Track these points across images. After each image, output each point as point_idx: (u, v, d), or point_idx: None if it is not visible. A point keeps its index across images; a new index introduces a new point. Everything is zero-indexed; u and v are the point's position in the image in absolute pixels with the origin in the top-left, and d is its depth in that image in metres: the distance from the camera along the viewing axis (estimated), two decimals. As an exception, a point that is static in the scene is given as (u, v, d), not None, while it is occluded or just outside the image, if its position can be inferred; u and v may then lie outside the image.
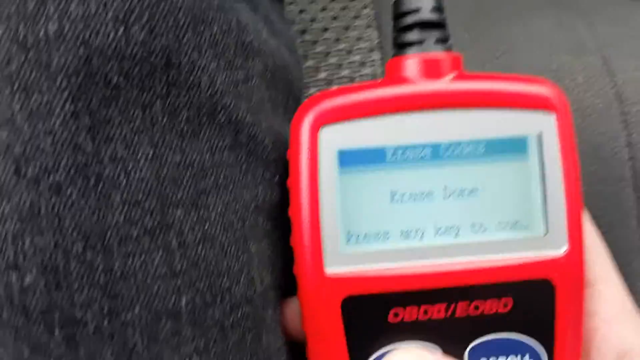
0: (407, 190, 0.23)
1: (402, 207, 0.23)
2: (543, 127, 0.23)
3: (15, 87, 0.19)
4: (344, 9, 0.37)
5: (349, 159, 0.23)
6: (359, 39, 0.37)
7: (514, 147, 0.23)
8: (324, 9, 0.37)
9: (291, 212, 0.24)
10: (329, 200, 0.23)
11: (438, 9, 0.24)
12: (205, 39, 0.22)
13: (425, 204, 0.24)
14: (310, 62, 0.37)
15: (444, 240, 0.23)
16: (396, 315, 0.23)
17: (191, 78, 0.21)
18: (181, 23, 0.21)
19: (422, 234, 0.24)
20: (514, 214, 0.24)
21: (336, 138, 0.23)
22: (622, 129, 0.32)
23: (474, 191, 0.24)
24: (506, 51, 0.35)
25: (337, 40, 0.37)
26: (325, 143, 0.23)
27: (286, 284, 0.25)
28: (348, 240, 0.23)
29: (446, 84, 0.23)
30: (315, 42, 0.37)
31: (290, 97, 0.27)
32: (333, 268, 0.23)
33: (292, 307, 0.25)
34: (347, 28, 0.37)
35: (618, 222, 0.32)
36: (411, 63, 0.23)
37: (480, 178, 0.23)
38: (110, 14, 0.20)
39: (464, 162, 0.23)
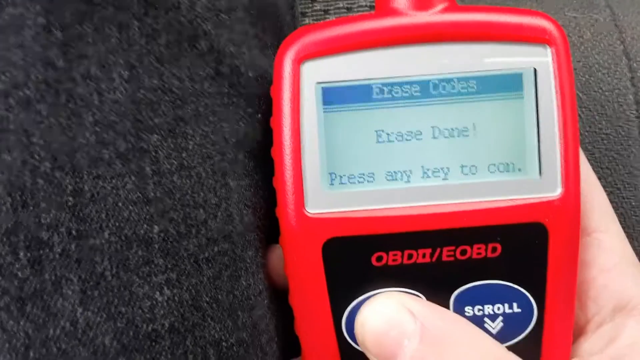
0: (393, 129, 0.22)
1: (389, 148, 0.22)
2: (539, 61, 0.22)
3: None
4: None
5: (333, 96, 0.22)
6: (358, -4, 0.36)
7: (507, 83, 0.22)
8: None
9: (274, 151, 0.23)
10: (312, 139, 0.22)
11: None
12: None
13: (413, 144, 0.22)
14: (308, 20, 0.36)
15: (432, 183, 0.22)
16: (379, 259, 0.22)
17: (184, 28, 0.21)
18: None
19: (409, 175, 0.22)
20: (507, 155, 0.22)
21: (319, 73, 0.22)
22: (630, 86, 0.31)
23: (465, 131, 0.22)
24: (513, 5, 0.34)
25: (337, -3, 0.36)
26: (308, 78, 0.22)
27: (271, 229, 0.25)
28: (331, 181, 0.22)
29: (436, 15, 0.22)
30: (314, 0, 0.36)
31: (280, 40, 0.26)
32: (315, 209, 0.22)
33: (277, 253, 0.24)
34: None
35: (624, 182, 0.30)
36: None
37: (471, 117, 0.22)
38: None
39: (455, 100, 0.22)
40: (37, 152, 0.18)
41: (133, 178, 0.20)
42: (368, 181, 0.22)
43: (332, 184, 0.22)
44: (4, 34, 0.18)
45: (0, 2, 0.18)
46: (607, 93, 0.31)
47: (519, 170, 0.22)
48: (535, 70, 0.22)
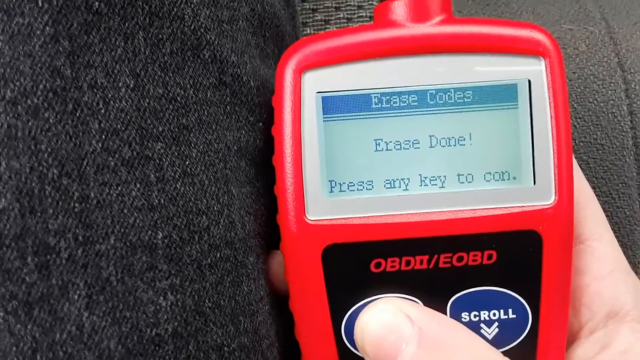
0: (392, 138, 0.23)
1: (387, 156, 0.23)
2: (533, 73, 0.23)
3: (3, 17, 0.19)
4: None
5: (333, 105, 0.23)
6: (359, 7, 0.37)
7: (503, 94, 0.23)
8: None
9: (275, 159, 0.23)
10: (312, 148, 0.23)
11: None
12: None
13: (410, 153, 0.23)
14: (309, 30, 0.36)
15: (429, 190, 0.23)
16: (378, 265, 0.23)
17: (174, 10, 0.21)
18: None
19: (407, 183, 0.23)
20: (502, 164, 0.23)
21: (320, 83, 0.23)
22: (625, 98, 0.32)
23: (461, 140, 0.23)
24: (511, 18, 0.34)
25: (337, 8, 0.37)
26: (309, 88, 0.23)
27: (272, 235, 0.25)
28: (331, 188, 0.23)
29: (434, 27, 0.23)
30: (315, 10, 0.37)
31: (281, 50, 0.27)
32: (315, 216, 0.23)
33: (277, 260, 0.25)
34: (347, -4, 0.37)
35: (618, 191, 0.31)
36: (398, 5, 0.23)
37: (467, 127, 0.23)
38: None
39: (451, 110, 0.23)
40: (45, 159, 0.19)
41: (138, 185, 0.20)
42: (367, 189, 0.23)
43: (331, 192, 0.23)
44: (12, 42, 0.19)
45: (9, 11, 0.19)
46: (601, 104, 0.32)
47: (514, 178, 0.23)
48: (529, 81, 0.23)
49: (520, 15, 0.35)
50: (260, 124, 0.24)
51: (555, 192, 0.22)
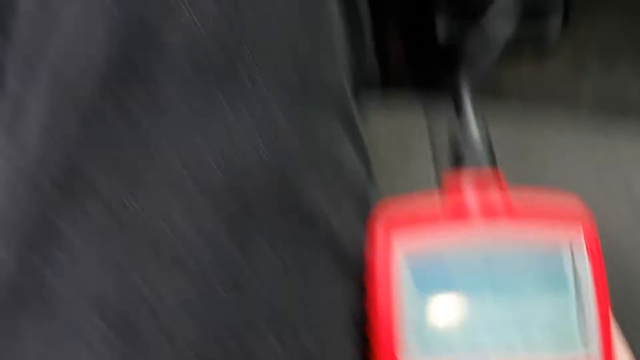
0: (468, 307, 0.27)
1: (465, 322, 0.27)
2: (574, 239, 0.27)
3: (180, 198, 0.24)
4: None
5: (419, 273, 0.28)
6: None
7: (550, 264, 0.27)
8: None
9: (369, 309, 0.28)
10: (401, 309, 0.27)
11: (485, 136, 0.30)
12: (318, 175, 0.27)
13: (482, 318, 0.27)
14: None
15: (499, 354, 0.27)
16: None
17: (309, 211, 0.26)
18: (300, 161, 0.26)
19: (482, 346, 0.27)
20: (556, 330, 0.27)
21: (406, 246, 0.27)
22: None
23: (521, 308, 0.27)
24: (544, 179, 0.40)
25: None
26: (397, 249, 0.27)
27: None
28: (420, 348, 0.27)
29: (492, 195, 0.28)
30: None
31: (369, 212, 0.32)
32: None
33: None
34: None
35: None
36: (465, 176, 0.29)
37: (524, 296, 0.27)
38: (249, 147, 0.25)
39: (511, 280, 0.27)
40: (215, 326, 0.23)
41: (280, 350, 0.24)
42: (449, 350, 0.27)
43: (420, 351, 0.27)
44: (186, 219, 0.23)
45: (187, 199, 0.24)
46: (628, 259, 0.36)
47: (568, 346, 0.27)
48: (571, 246, 0.27)
49: (549, 171, 0.40)
50: (358, 278, 0.29)
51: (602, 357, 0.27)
